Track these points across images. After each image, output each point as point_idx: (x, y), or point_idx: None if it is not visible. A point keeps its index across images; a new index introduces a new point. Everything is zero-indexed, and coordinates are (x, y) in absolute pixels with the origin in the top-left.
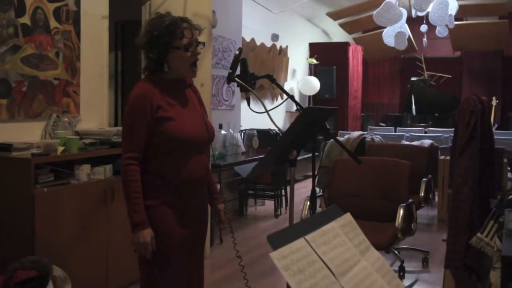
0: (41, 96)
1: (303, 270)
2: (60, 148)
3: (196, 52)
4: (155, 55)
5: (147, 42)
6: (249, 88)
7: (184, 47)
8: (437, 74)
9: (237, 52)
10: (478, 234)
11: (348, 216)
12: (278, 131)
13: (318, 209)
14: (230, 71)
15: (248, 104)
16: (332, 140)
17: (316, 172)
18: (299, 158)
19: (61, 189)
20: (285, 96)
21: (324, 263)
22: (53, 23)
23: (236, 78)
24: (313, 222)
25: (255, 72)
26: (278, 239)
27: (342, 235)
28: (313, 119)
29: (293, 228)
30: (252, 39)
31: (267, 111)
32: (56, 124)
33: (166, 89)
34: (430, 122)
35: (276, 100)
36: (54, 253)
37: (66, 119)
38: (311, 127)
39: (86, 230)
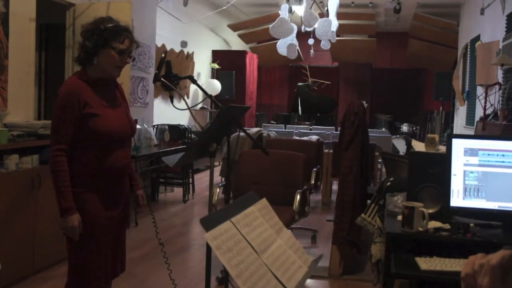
0: None
1: (232, 249)
2: None
3: (125, 61)
4: (91, 45)
5: (91, 30)
6: (173, 87)
7: (119, 51)
8: (319, 80)
9: (163, 55)
10: (362, 215)
11: (264, 201)
12: (186, 126)
13: (221, 196)
14: (157, 71)
15: (172, 101)
16: (234, 134)
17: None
18: None
19: None
20: (198, 96)
21: (248, 242)
22: None
23: (162, 78)
24: (236, 206)
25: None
26: (209, 222)
27: (260, 217)
28: (231, 116)
29: (221, 212)
30: (163, 45)
31: (189, 108)
32: None
33: (94, 86)
34: (314, 121)
35: (183, 99)
36: None
37: None
38: (229, 123)
39: (14, 215)
